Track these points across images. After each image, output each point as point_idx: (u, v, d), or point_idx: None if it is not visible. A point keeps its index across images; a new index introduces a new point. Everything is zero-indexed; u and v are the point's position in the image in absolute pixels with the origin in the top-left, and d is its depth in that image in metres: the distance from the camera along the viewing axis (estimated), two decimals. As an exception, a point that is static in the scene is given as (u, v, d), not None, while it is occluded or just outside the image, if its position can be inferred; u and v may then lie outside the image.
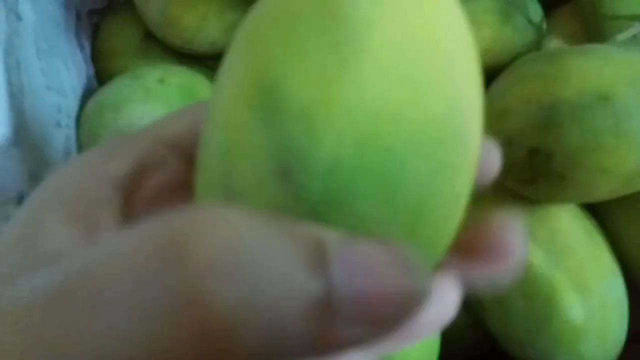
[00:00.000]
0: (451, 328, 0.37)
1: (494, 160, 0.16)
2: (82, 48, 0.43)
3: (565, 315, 0.32)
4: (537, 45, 0.43)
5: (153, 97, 0.38)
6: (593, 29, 0.43)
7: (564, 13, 0.47)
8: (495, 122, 0.31)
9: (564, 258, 0.33)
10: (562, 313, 0.32)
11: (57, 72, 0.37)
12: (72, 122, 0.37)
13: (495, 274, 0.15)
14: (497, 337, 0.36)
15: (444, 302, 0.16)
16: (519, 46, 0.42)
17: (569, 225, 0.34)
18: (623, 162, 0.28)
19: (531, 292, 0.33)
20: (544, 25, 0.44)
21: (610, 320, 0.33)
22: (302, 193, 0.11)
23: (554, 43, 0.45)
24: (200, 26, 0.42)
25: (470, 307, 0.38)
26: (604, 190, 0.30)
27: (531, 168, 0.30)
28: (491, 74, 0.36)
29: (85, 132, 0.37)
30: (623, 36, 0.33)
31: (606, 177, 0.29)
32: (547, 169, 0.30)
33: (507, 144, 0.31)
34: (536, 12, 0.44)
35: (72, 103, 0.38)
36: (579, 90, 0.28)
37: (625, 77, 0.28)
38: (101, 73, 0.46)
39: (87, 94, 0.41)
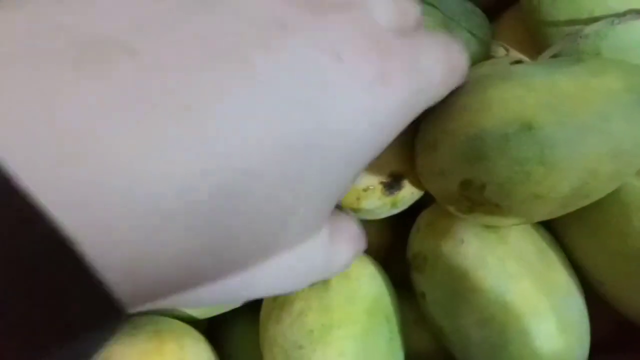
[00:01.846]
0: (416, 356, 0.37)
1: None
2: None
3: (521, 341, 0.32)
4: (482, 57, 0.43)
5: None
6: (537, 35, 0.42)
7: (510, 19, 0.46)
8: (427, 156, 0.31)
9: (516, 282, 0.32)
10: (518, 339, 0.32)
11: None
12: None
13: None
14: (461, 365, 0.36)
15: None
16: (463, 61, 0.42)
17: (520, 247, 0.33)
18: (555, 189, 0.28)
19: (486, 320, 0.33)
20: (489, 36, 0.43)
21: (569, 340, 0.32)
22: None
23: (500, 52, 0.44)
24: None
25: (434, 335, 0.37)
26: (543, 213, 0.30)
27: (466, 199, 0.30)
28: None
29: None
30: (547, 54, 0.32)
31: (541, 203, 0.28)
32: (481, 199, 0.29)
33: (440, 177, 0.30)
34: (480, 23, 0.43)
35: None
36: (502, 120, 0.27)
37: (546, 104, 0.27)
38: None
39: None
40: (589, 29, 0.35)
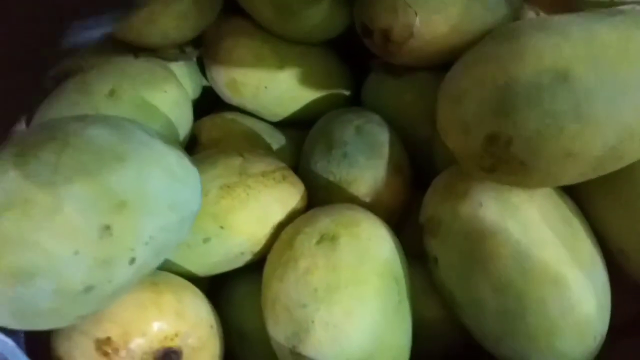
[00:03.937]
0: (425, 324, 0.35)
1: None
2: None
3: (540, 310, 0.30)
4: (511, 19, 0.40)
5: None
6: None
7: (542, -19, 0.43)
8: (451, 109, 0.29)
9: (538, 249, 0.30)
10: (536, 308, 0.30)
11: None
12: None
13: None
14: (471, 335, 0.34)
15: None
16: (490, 22, 0.39)
17: (544, 213, 0.31)
18: (588, 146, 0.26)
19: (503, 287, 0.31)
20: (519, -3, 0.41)
21: (589, 313, 0.30)
22: None
23: (530, 15, 0.42)
24: (147, 20, 0.40)
25: (444, 302, 0.36)
26: (572, 175, 0.28)
27: (490, 156, 0.28)
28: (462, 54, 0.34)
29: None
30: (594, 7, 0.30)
31: (572, 162, 0.27)
32: (506, 156, 0.27)
33: (464, 131, 0.28)
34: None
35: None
36: (535, 69, 0.25)
37: (584, 54, 0.25)
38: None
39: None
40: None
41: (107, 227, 0.24)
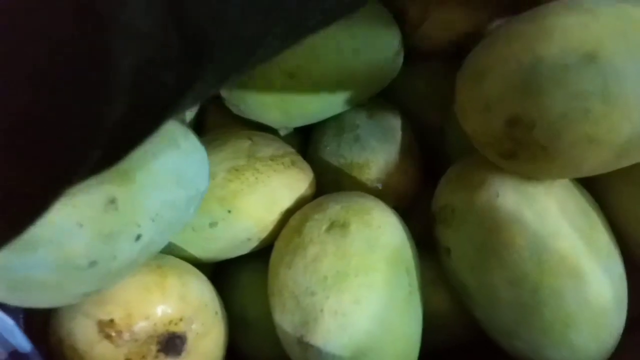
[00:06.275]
0: (435, 316, 0.34)
1: None
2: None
3: (556, 302, 0.29)
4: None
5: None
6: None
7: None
8: (472, 87, 0.28)
9: (554, 240, 0.29)
10: (553, 300, 0.29)
11: None
12: None
13: None
14: (483, 327, 0.33)
15: None
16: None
17: (561, 204, 0.30)
18: (614, 130, 0.25)
19: (518, 278, 0.30)
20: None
21: (605, 306, 0.30)
22: None
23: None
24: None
25: (455, 294, 0.35)
26: (595, 163, 0.27)
27: (510, 139, 0.27)
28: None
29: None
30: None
31: (595, 149, 0.26)
32: (528, 140, 0.26)
33: (484, 111, 0.27)
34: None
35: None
36: (562, 48, 0.24)
37: (614, 33, 0.24)
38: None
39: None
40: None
41: (112, 200, 0.23)
